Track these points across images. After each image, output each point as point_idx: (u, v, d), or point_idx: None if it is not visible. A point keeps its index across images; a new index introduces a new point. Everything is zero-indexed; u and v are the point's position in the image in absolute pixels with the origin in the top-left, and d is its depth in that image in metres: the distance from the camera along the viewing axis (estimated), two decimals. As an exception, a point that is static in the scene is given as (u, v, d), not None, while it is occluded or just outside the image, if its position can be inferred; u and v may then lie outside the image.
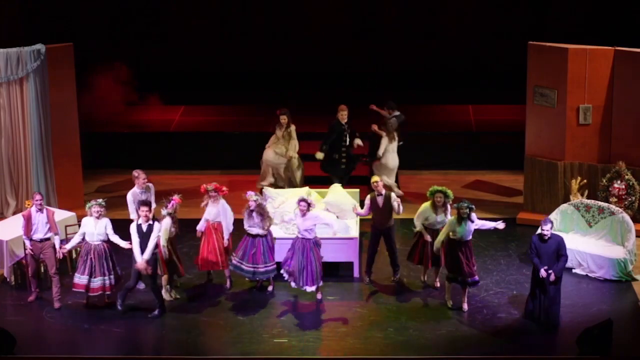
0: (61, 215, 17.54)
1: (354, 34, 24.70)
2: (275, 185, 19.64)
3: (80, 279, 15.98)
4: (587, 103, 18.74)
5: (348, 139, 19.55)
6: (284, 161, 19.74)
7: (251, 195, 16.48)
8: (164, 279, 16.39)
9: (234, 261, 16.59)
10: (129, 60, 22.87)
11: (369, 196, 16.81)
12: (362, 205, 17.37)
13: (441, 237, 16.07)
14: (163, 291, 16.38)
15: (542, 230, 15.49)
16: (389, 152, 19.59)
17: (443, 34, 24.56)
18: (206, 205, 16.71)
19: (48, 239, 16.28)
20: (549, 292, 15.42)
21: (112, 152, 21.97)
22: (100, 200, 16.14)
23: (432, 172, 21.27)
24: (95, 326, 15.78)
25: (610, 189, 18.56)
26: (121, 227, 16.44)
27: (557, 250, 15.41)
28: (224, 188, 16.79)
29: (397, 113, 20.04)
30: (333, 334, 15.57)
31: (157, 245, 15.82)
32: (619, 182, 18.51)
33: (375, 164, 19.69)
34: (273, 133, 19.86)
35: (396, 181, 20.01)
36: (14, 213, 18.88)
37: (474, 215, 15.92)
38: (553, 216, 17.73)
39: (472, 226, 15.86)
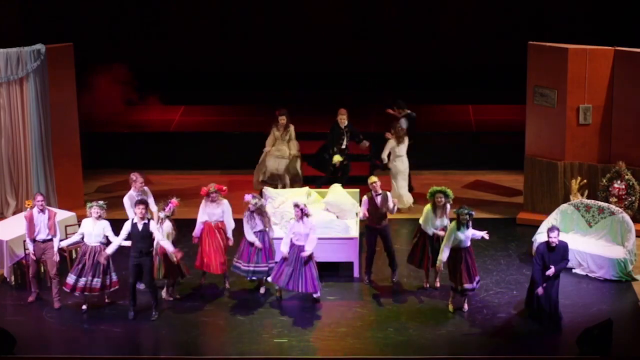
0: (61, 215, 17.54)
1: (354, 34, 24.70)
2: (274, 185, 19.62)
3: (70, 277, 16.00)
4: (587, 103, 18.73)
5: (345, 142, 19.53)
6: (285, 162, 19.69)
7: (250, 200, 16.47)
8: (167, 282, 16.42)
9: (234, 262, 16.61)
10: (129, 60, 22.86)
11: (365, 196, 16.79)
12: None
13: (443, 253, 15.83)
14: (164, 292, 16.38)
15: (549, 238, 15.45)
16: (397, 154, 19.34)
17: (443, 34, 24.56)
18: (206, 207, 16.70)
19: (50, 239, 16.29)
20: (550, 294, 15.45)
21: (112, 152, 21.97)
22: (101, 203, 16.14)
23: (432, 172, 21.26)
24: (95, 326, 15.78)
25: (610, 189, 18.55)
26: (121, 227, 16.44)
27: (563, 256, 15.45)
28: (224, 187, 16.79)
29: (407, 112, 20.00)
30: (333, 334, 15.57)
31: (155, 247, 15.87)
32: (619, 182, 18.51)
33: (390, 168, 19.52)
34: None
35: (410, 185, 19.71)
36: (14, 213, 18.88)
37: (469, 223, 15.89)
38: (553, 216, 17.73)
39: (471, 234, 15.81)
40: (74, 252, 17.12)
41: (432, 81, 24.24)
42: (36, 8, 24.17)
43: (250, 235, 16.44)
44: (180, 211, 16.51)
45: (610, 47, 18.64)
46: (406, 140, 19.42)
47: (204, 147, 22.05)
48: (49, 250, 16.27)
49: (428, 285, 16.80)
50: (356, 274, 17.22)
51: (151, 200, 16.77)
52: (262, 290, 16.71)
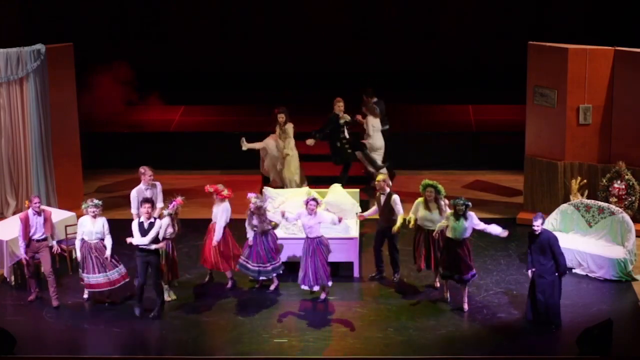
0: (61, 215, 17.56)
1: (354, 34, 24.71)
2: (273, 185, 19.62)
3: (96, 278, 16.02)
4: (587, 103, 18.73)
5: (346, 132, 19.64)
6: (280, 157, 19.65)
7: (251, 198, 16.51)
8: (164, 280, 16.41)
9: (240, 260, 16.63)
10: (129, 60, 22.86)
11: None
12: (364, 208, 17.59)
13: (440, 224, 16.10)
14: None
15: (533, 226, 15.46)
16: (377, 129, 19.84)
17: (443, 34, 24.57)
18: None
19: (46, 239, 16.31)
20: (546, 290, 15.42)
21: (112, 152, 21.98)
22: (95, 201, 16.17)
23: (432, 172, 21.24)
24: (95, 326, 15.79)
25: (610, 189, 18.55)
26: (121, 227, 16.47)
27: (549, 247, 15.31)
28: (224, 192, 16.72)
29: (375, 99, 20.14)
30: (333, 334, 15.57)
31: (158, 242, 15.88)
32: (619, 182, 18.51)
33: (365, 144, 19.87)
34: (273, 132, 19.83)
35: (386, 163, 19.98)
36: (14, 213, 18.88)
37: (474, 217, 15.91)
38: (553, 216, 17.74)
39: (470, 225, 15.84)
40: (74, 252, 17.12)
41: (432, 81, 24.26)
42: (36, 8, 24.18)
43: (249, 233, 16.51)
44: (181, 211, 16.47)
45: (610, 47, 18.64)
46: (380, 120, 19.89)
47: (204, 147, 22.06)
48: (43, 249, 16.29)
49: (438, 286, 16.82)
50: (356, 274, 17.23)
51: (160, 194, 16.82)
52: (272, 287, 16.75)
